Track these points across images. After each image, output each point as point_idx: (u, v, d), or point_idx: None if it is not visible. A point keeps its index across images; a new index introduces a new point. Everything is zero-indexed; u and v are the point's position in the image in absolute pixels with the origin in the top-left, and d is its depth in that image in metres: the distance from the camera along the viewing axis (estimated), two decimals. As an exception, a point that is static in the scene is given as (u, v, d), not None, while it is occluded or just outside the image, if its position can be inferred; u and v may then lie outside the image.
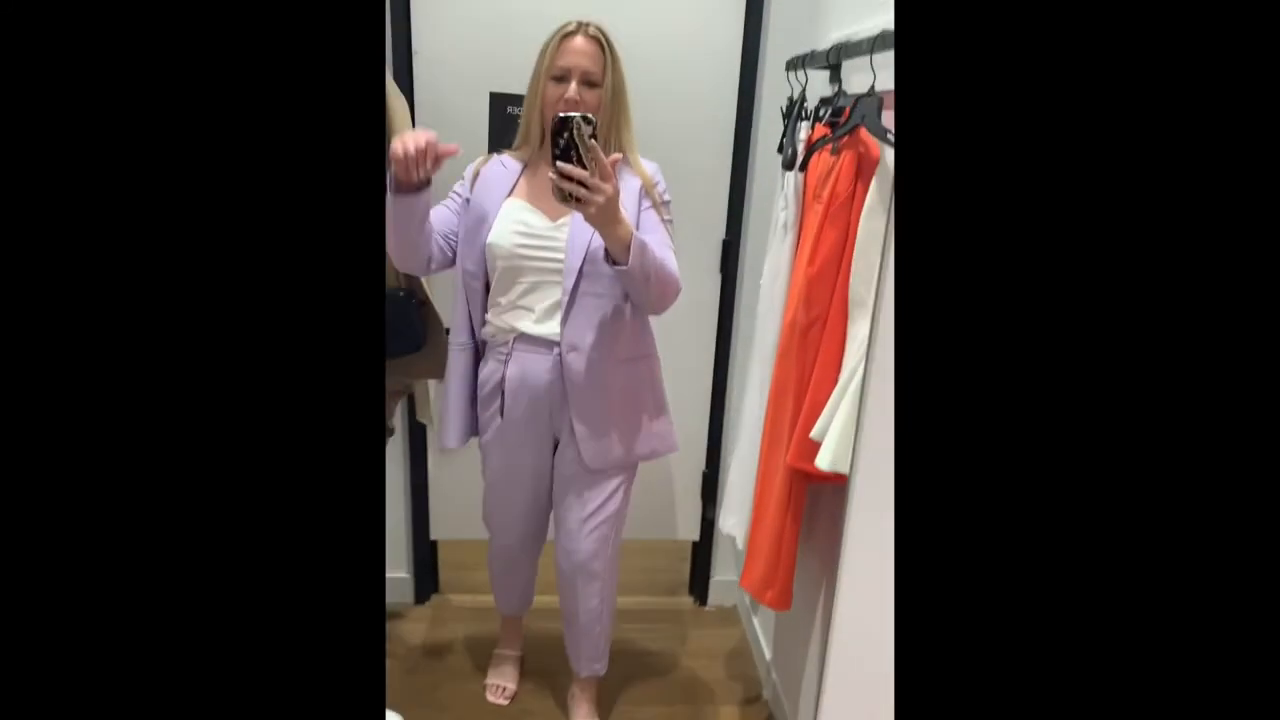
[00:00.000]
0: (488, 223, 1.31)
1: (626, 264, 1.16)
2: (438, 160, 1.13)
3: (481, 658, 1.85)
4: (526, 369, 1.36)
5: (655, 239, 1.26)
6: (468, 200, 1.35)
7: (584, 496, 1.44)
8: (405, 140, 1.10)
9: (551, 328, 1.32)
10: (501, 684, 1.74)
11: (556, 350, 1.33)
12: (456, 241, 1.36)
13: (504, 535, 1.60)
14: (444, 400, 1.46)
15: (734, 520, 1.56)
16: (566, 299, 1.30)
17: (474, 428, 1.49)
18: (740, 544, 1.50)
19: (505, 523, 1.57)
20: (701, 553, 2.10)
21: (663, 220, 1.34)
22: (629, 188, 1.30)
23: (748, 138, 1.76)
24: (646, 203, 1.32)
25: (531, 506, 1.52)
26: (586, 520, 1.45)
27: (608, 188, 1.09)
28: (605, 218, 1.11)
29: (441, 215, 1.35)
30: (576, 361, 1.33)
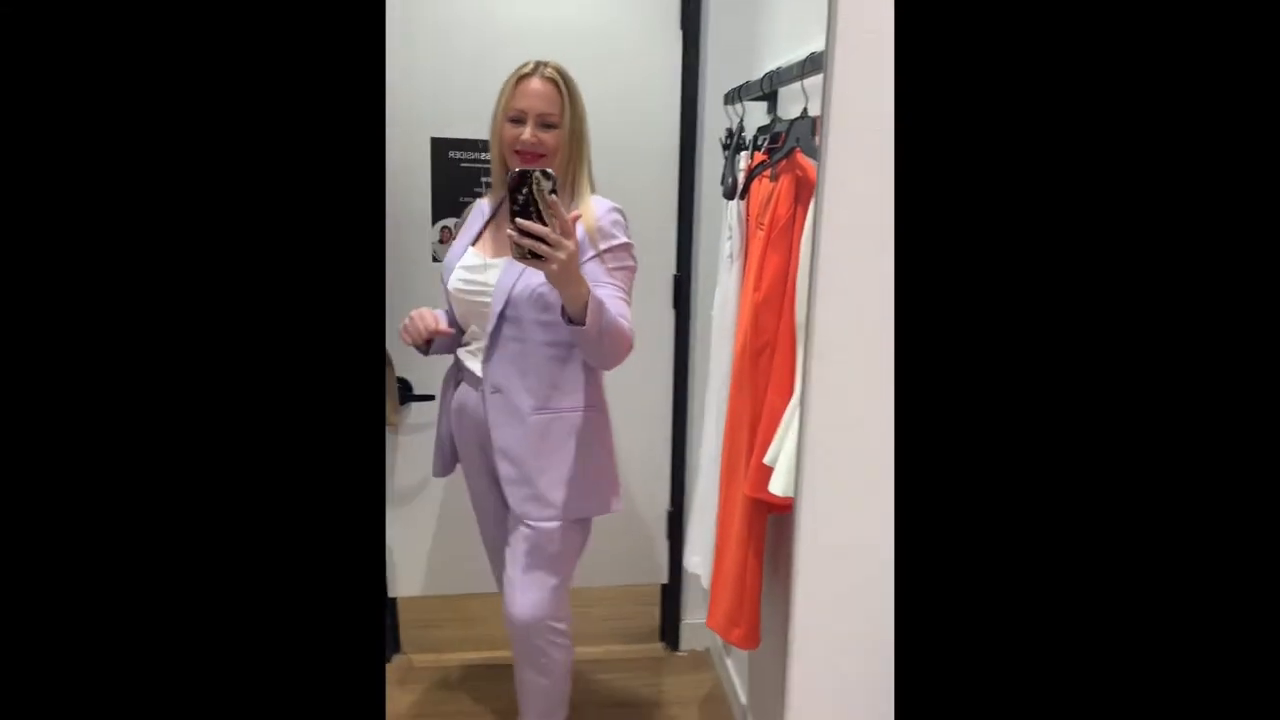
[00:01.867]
0: (450, 267, 1.35)
1: (584, 324, 1.12)
2: (435, 334, 1.33)
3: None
4: (465, 404, 1.38)
5: (605, 293, 1.22)
6: None
7: (516, 546, 1.37)
8: (406, 333, 1.32)
9: (481, 367, 1.33)
10: None
11: (483, 390, 1.34)
12: None
13: (495, 569, 1.56)
14: (436, 431, 1.51)
15: (698, 558, 1.52)
16: (487, 341, 1.30)
17: (456, 458, 1.50)
18: (705, 582, 1.46)
19: (490, 558, 1.55)
20: (671, 596, 2.04)
21: (610, 270, 1.27)
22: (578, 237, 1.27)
23: (692, 172, 1.77)
24: (590, 251, 1.26)
25: (500, 543, 1.48)
26: (524, 572, 1.37)
27: (569, 244, 1.05)
28: (565, 276, 1.07)
29: None
30: (498, 403, 1.32)
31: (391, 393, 1.62)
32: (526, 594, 1.37)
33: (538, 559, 1.36)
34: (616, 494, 1.44)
